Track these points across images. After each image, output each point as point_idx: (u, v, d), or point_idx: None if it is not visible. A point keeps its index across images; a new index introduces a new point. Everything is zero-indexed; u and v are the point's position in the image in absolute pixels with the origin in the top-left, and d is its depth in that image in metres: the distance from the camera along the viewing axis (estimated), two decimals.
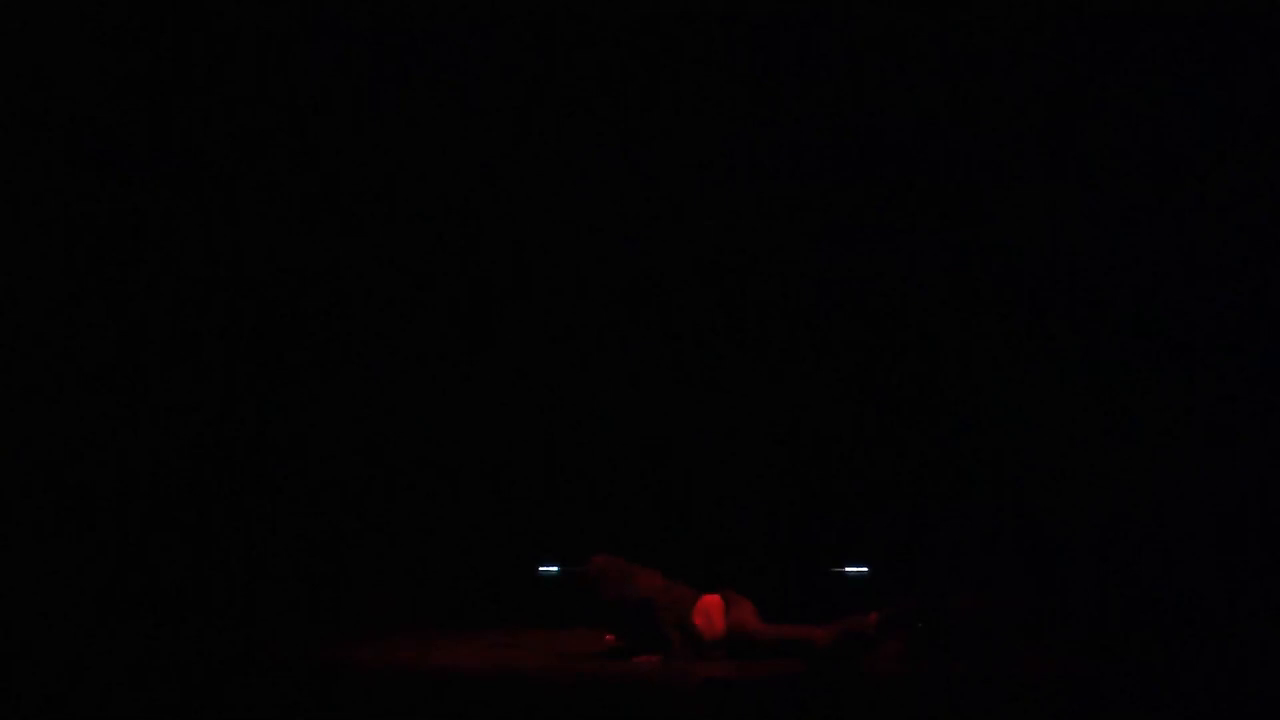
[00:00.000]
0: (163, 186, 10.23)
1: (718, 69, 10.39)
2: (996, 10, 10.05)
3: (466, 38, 10.37)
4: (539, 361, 10.50)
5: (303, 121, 10.37)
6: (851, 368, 10.47)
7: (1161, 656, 7.46)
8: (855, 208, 10.40)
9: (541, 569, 10.57)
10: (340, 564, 10.25)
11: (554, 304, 10.60)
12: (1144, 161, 9.88)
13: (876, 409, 10.40)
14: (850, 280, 10.46)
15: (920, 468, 10.27)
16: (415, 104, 10.46)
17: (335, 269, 10.53)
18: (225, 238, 10.35)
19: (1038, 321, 10.11)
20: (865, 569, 10.54)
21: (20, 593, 9.10)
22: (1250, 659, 7.32)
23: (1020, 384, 10.10)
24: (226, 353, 10.32)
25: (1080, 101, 9.99)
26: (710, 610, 7.76)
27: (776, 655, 7.40)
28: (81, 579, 9.46)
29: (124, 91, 10.10)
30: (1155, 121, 9.84)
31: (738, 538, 10.43)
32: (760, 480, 10.43)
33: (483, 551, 10.48)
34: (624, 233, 10.58)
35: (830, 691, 5.79)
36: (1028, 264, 10.14)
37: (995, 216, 10.19)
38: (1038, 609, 8.26)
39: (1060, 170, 10.06)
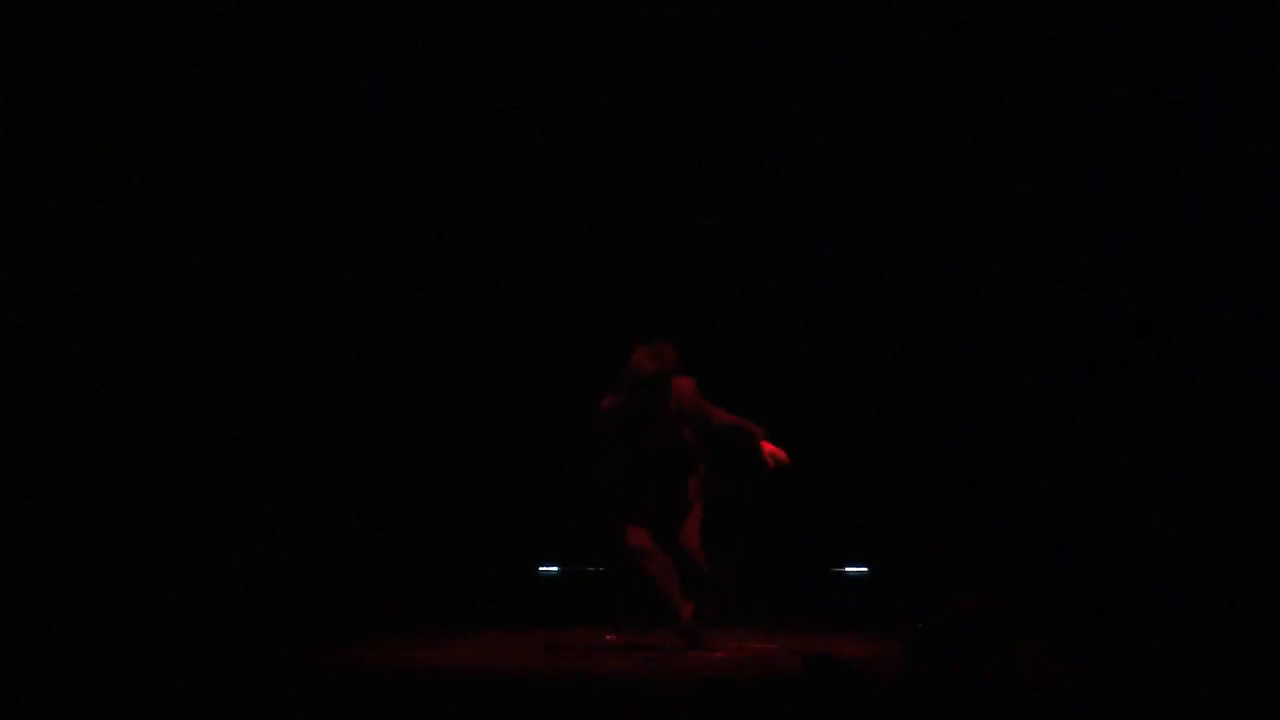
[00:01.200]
0: (162, 187, 10.24)
1: (718, 69, 10.40)
2: (996, 10, 10.06)
3: (466, 37, 10.38)
4: (539, 362, 10.50)
5: (303, 121, 10.38)
6: (852, 367, 10.48)
7: (1162, 657, 7.46)
8: (857, 208, 10.40)
9: (541, 569, 10.58)
10: (340, 564, 10.26)
11: (554, 304, 10.61)
12: (1144, 161, 9.88)
13: (877, 409, 10.41)
14: (851, 280, 10.47)
15: (920, 468, 10.27)
16: (415, 104, 10.47)
17: (335, 269, 10.54)
18: (225, 237, 10.36)
19: (1038, 322, 10.12)
20: (865, 569, 10.54)
21: (20, 592, 9.11)
22: (1250, 659, 7.33)
23: (1021, 384, 10.10)
24: (227, 353, 10.33)
25: (1080, 102, 9.99)
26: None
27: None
28: (82, 579, 9.47)
29: (124, 91, 10.10)
30: (1155, 121, 9.84)
31: (739, 537, 10.44)
32: (761, 480, 10.43)
33: (483, 551, 10.49)
34: (624, 233, 10.58)
35: (830, 691, 5.79)
36: (1028, 264, 10.14)
37: (996, 216, 10.20)
38: (1038, 609, 8.25)
39: (1060, 170, 10.06)
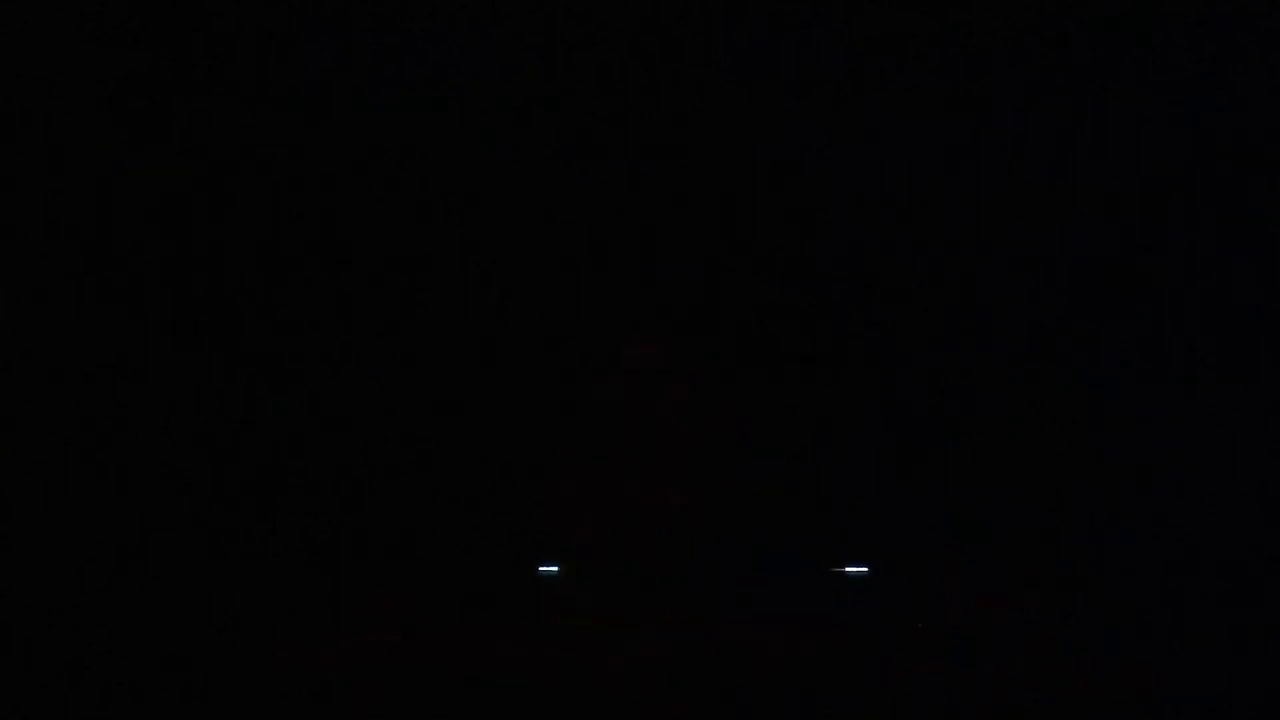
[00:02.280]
0: (160, 186, 10.24)
1: (717, 69, 10.39)
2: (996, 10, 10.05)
3: (465, 37, 10.37)
4: (540, 360, 10.49)
5: (303, 119, 10.37)
6: (852, 367, 10.47)
7: (1160, 656, 7.46)
8: (854, 206, 10.39)
9: (541, 569, 10.57)
10: (341, 564, 10.24)
11: (555, 302, 10.60)
12: (1143, 162, 9.87)
13: (877, 408, 10.40)
14: (850, 278, 10.46)
15: (920, 468, 10.26)
16: (414, 103, 10.45)
17: (335, 266, 10.53)
18: (226, 234, 10.36)
19: (1038, 321, 10.11)
20: (865, 569, 10.54)
21: (20, 592, 9.10)
22: (1250, 659, 7.33)
23: (1022, 384, 10.09)
24: (226, 350, 10.32)
25: (1079, 101, 9.98)
26: None
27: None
28: (82, 579, 9.46)
29: (124, 91, 10.10)
30: (1155, 122, 9.83)
31: (738, 538, 10.43)
32: (759, 480, 10.43)
33: (483, 551, 10.48)
34: (624, 231, 10.58)
35: (830, 691, 5.80)
36: (1026, 263, 10.13)
37: (996, 214, 10.19)
38: (1039, 610, 8.25)
39: (1060, 170, 10.05)
